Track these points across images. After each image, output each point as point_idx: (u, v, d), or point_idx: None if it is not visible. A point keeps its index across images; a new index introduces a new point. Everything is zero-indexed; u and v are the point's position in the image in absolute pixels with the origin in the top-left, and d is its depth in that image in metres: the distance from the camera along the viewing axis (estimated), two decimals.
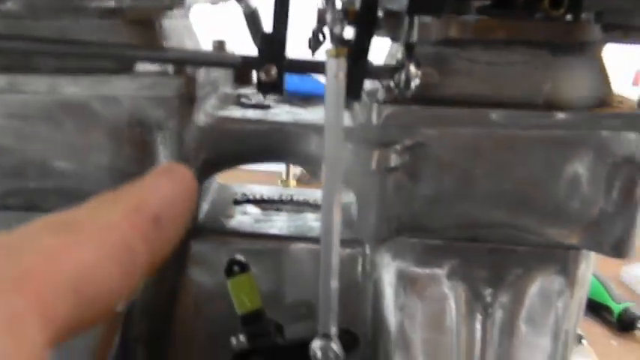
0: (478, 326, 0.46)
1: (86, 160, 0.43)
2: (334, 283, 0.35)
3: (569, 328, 0.46)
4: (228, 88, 0.55)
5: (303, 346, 0.38)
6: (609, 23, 0.42)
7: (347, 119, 0.44)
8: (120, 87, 0.41)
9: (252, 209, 0.56)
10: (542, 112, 0.41)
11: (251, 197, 0.58)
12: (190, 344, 0.50)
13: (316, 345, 0.37)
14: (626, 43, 0.44)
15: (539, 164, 0.42)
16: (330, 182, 0.36)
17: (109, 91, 0.41)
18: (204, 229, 0.51)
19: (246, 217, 0.54)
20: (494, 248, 0.46)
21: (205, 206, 0.55)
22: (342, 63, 0.31)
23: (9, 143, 0.43)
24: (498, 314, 0.46)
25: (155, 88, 0.41)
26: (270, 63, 0.34)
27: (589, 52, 0.43)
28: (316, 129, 0.44)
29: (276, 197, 0.59)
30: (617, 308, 0.88)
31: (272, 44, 0.34)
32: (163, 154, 0.43)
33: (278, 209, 0.57)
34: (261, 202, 0.58)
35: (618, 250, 0.44)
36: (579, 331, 0.84)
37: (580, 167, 0.42)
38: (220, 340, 0.49)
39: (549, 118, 0.41)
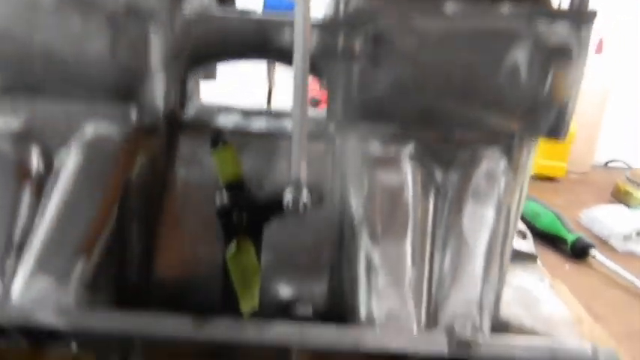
0: (431, 203, 0.53)
1: (87, 49, 0.49)
2: (304, 121, 0.41)
3: (511, 206, 0.53)
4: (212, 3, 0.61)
5: (279, 201, 0.44)
6: None
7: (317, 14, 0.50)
8: None
9: (235, 115, 0.62)
10: (488, 4, 0.47)
11: (234, 107, 0.64)
12: (178, 223, 0.55)
13: (288, 194, 0.43)
14: None
15: (484, 54, 0.49)
16: (300, 57, 0.42)
17: None
18: (191, 124, 0.57)
19: (230, 119, 0.60)
20: (447, 135, 0.52)
21: (192, 110, 0.60)
22: None
23: (18, 32, 0.48)
24: (449, 192, 0.52)
25: None
26: None
27: None
28: (291, 23, 0.50)
29: (256, 109, 0.65)
30: (570, 238, 0.96)
31: None
32: (155, 43, 0.49)
33: (259, 116, 0.63)
34: (243, 112, 0.64)
35: (554, 133, 0.51)
36: (534, 251, 0.91)
37: (519, 57, 0.49)
38: (205, 219, 0.55)
39: (494, 10, 0.47)
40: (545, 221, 1.00)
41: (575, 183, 1.56)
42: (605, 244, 1.03)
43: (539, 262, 0.88)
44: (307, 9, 0.39)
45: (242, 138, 0.56)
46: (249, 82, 0.88)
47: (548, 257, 0.94)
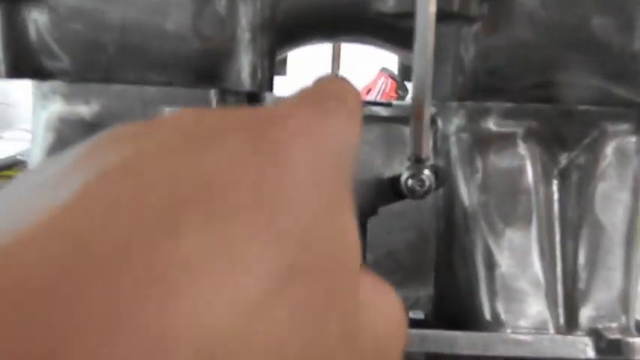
0: (555, 188, 0.46)
1: (167, 22, 0.44)
2: (428, 94, 0.35)
3: None
4: None
5: (388, 184, 0.39)
6: None
7: None
8: None
9: None
10: None
11: None
12: None
13: (407, 173, 0.37)
14: None
15: (611, 17, 0.43)
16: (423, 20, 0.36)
17: None
18: None
19: None
20: (570, 110, 0.46)
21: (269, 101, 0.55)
22: None
23: (89, 5, 0.44)
24: (575, 175, 0.46)
25: None
26: None
27: None
28: None
29: None
30: None
31: None
32: (243, 12, 0.44)
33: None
34: None
35: None
36: None
37: None
38: None
39: None
40: None
41: None
42: None
43: None
44: None
45: None
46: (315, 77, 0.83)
47: None
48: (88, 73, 0.46)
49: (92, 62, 0.46)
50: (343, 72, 0.79)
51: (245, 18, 0.44)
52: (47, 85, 0.47)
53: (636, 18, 0.43)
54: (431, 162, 0.39)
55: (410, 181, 0.37)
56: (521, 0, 0.42)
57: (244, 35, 0.44)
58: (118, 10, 0.44)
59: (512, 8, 0.42)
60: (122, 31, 0.44)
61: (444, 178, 0.42)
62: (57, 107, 0.47)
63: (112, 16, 0.44)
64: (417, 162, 0.37)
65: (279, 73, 0.61)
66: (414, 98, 0.37)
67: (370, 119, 0.52)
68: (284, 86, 0.67)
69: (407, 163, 0.37)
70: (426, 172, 0.37)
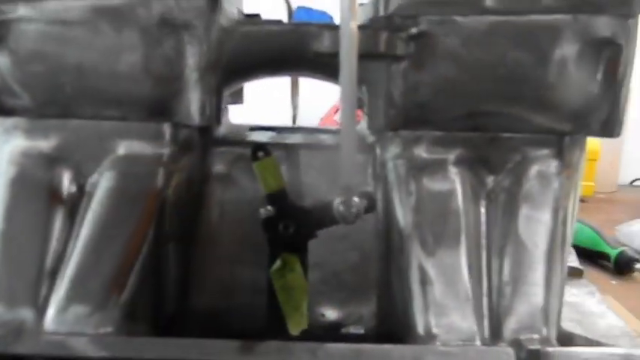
0: (483, 209, 0.50)
1: (120, 63, 0.47)
2: (353, 126, 0.39)
3: (567, 207, 0.50)
4: None
5: (326, 209, 0.42)
6: None
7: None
8: None
9: (267, 133, 0.60)
10: None
11: (265, 126, 0.63)
12: (214, 245, 0.53)
13: (338, 199, 0.41)
14: None
15: (529, 50, 0.47)
16: (347, 59, 0.40)
17: None
18: (226, 141, 0.55)
19: (263, 135, 0.58)
20: (495, 137, 0.50)
21: (223, 129, 0.58)
22: None
23: (48, 49, 0.47)
24: (501, 197, 0.50)
25: None
26: None
27: None
28: (330, 27, 0.48)
29: (289, 126, 0.63)
30: (613, 253, 0.91)
31: None
32: (190, 55, 0.47)
33: (292, 132, 0.61)
34: (275, 129, 0.62)
35: (607, 129, 0.49)
36: (580, 266, 0.87)
37: (566, 51, 0.47)
38: (243, 240, 0.53)
39: (538, 3, 0.46)
40: (584, 237, 0.96)
41: (604, 202, 1.53)
42: None
43: (584, 277, 0.84)
44: (353, 9, 0.38)
45: (279, 150, 0.54)
46: (274, 107, 0.87)
47: (592, 274, 0.90)
48: (47, 109, 0.49)
49: (51, 100, 0.49)
50: (302, 97, 0.82)
51: (192, 59, 0.47)
52: (9, 122, 0.50)
53: (550, 53, 0.47)
54: (361, 189, 0.42)
55: (341, 207, 0.41)
56: (444, 40, 0.46)
57: (192, 74, 0.47)
58: (75, 54, 0.47)
59: (436, 47, 0.46)
60: (78, 72, 0.48)
61: (373, 203, 0.46)
62: (18, 142, 0.50)
63: (68, 59, 0.47)
64: (348, 190, 0.40)
65: (235, 102, 0.64)
66: (341, 131, 0.40)
67: (316, 147, 0.56)
68: (241, 114, 0.71)
69: (338, 191, 0.41)
70: (355, 198, 0.40)
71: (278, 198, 0.45)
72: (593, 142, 1.48)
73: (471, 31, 0.46)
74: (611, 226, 1.15)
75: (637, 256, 0.91)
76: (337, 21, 0.44)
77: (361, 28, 0.46)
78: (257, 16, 0.62)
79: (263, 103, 0.85)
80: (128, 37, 0.46)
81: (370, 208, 0.43)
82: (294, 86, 0.77)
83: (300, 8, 0.63)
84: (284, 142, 0.55)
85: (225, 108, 0.63)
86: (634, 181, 1.80)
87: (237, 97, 0.64)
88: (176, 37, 0.47)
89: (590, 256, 0.95)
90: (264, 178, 0.45)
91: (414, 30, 0.46)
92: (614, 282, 0.88)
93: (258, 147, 0.46)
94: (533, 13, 0.46)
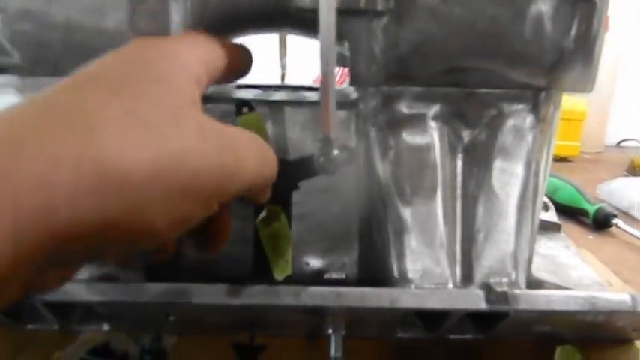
0: (459, 161, 0.52)
1: (106, 20, 0.48)
2: (332, 80, 0.40)
3: (539, 160, 0.52)
4: None
5: (308, 161, 0.44)
6: None
7: None
8: None
9: (253, 90, 0.62)
10: None
11: (251, 84, 0.64)
12: None
13: (319, 151, 0.43)
14: None
15: (507, 6, 0.48)
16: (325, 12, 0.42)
17: None
18: (210, 97, 0.57)
19: (249, 92, 0.59)
20: (472, 92, 0.52)
21: (209, 88, 0.60)
22: None
23: (34, 7, 0.48)
24: (477, 150, 0.52)
25: None
26: None
27: None
28: None
29: (274, 84, 0.65)
30: (591, 209, 0.95)
31: None
32: (175, 10, 0.48)
33: (277, 89, 0.62)
34: (261, 86, 0.63)
35: (579, 85, 0.51)
36: (557, 221, 0.90)
37: (542, 7, 0.48)
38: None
39: None
40: (565, 194, 0.99)
41: (590, 162, 1.55)
42: (626, 215, 1.02)
43: (562, 232, 0.87)
44: None
45: (263, 107, 0.56)
46: (261, 66, 0.88)
47: (571, 229, 0.93)
48: (37, 68, 0.51)
49: (41, 58, 0.50)
50: (293, 58, 0.83)
51: (177, 15, 0.48)
52: (1, 79, 0.51)
53: (526, 9, 0.48)
54: (342, 142, 0.44)
55: (321, 159, 0.43)
56: None
57: (176, 31, 0.49)
58: (61, 11, 0.48)
59: (415, 3, 0.48)
60: (66, 30, 0.49)
61: (352, 156, 0.48)
62: (10, 99, 0.51)
63: (55, 17, 0.48)
64: (327, 142, 0.42)
65: None
66: (320, 84, 0.42)
67: (300, 104, 0.57)
68: None
69: (318, 144, 0.43)
70: (335, 151, 0.42)
71: None
72: (580, 103, 1.50)
73: None
74: (595, 185, 1.18)
75: (615, 212, 0.94)
76: None
77: None
78: None
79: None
80: None
81: (349, 158, 0.45)
82: (282, 45, 0.77)
83: None
84: (268, 99, 0.57)
85: None
86: (621, 142, 1.83)
87: None
88: None
89: (570, 213, 0.99)
90: None
91: None
92: (590, 236, 0.92)
93: (243, 102, 0.47)
94: None
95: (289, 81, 0.94)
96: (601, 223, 0.94)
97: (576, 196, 0.98)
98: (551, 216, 0.84)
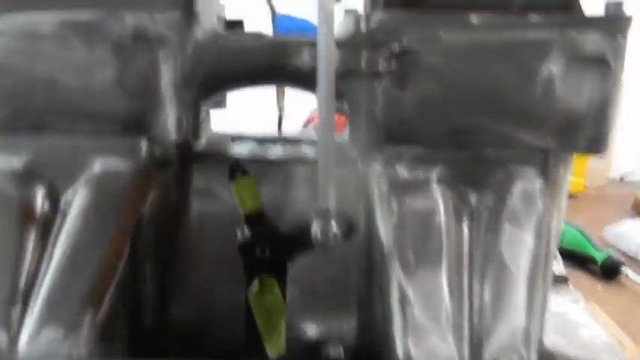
0: (465, 228, 0.49)
1: (92, 78, 0.46)
2: (332, 154, 0.38)
3: (550, 227, 0.49)
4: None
5: (304, 233, 0.41)
6: None
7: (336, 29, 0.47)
8: (123, 3, 0.44)
9: (249, 144, 0.59)
10: (518, 14, 0.45)
11: (247, 136, 0.61)
12: (193, 260, 0.52)
13: (316, 225, 0.40)
14: None
15: (514, 66, 0.46)
16: (324, 77, 0.39)
17: (113, 7, 0.44)
18: (204, 154, 0.54)
19: (244, 147, 0.57)
20: (478, 154, 0.49)
21: (204, 139, 0.57)
22: None
23: (17, 63, 0.46)
24: (484, 216, 0.49)
25: (156, 3, 0.44)
26: None
27: None
28: (309, 43, 0.47)
29: (271, 136, 0.62)
30: (599, 256, 0.91)
31: None
32: (165, 70, 0.46)
33: (274, 143, 0.59)
34: (257, 140, 0.61)
35: (593, 146, 0.48)
36: (564, 274, 0.87)
37: (552, 68, 0.46)
38: (223, 255, 0.52)
39: (524, 20, 0.45)
40: (571, 240, 0.96)
41: (594, 198, 1.53)
42: (634, 261, 0.99)
43: (570, 284, 0.84)
44: (330, 27, 0.36)
45: (259, 166, 0.53)
46: (259, 110, 0.85)
47: (579, 278, 0.90)
48: (18, 123, 0.48)
49: (22, 113, 0.48)
50: (288, 101, 0.81)
51: (167, 74, 0.46)
52: None
53: (536, 69, 0.46)
54: (341, 211, 0.41)
55: (318, 233, 0.40)
56: (427, 56, 0.45)
57: (167, 89, 0.46)
58: (45, 68, 0.46)
59: (418, 64, 0.45)
60: (50, 87, 0.46)
61: (353, 228, 0.45)
62: None
63: (39, 73, 0.46)
64: (325, 216, 0.39)
65: (219, 106, 0.63)
66: (319, 157, 0.39)
67: (297, 162, 0.55)
68: (225, 119, 0.69)
69: (315, 215, 0.40)
70: (334, 227, 0.39)
71: (255, 220, 0.44)
72: None
73: (455, 47, 0.45)
74: (600, 224, 1.15)
75: (624, 260, 0.91)
76: None
77: (341, 45, 0.45)
78: (239, 23, 0.60)
79: (248, 105, 0.83)
80: (100, 51, 0.45)
81: (350, 232, 0.42)
82: (280, 90, 0.75)
83: (281, 16, 0.62)
84: (264, 157, 0.54)
85: (207, 113, 0.62)
86: (624, 176, 1.80)
87: (220, 102, 0.63)
88: (150, 51, 0.45)
89: (577, 259, 0.96)
90: (241, 198, 0.44)
91: (395, 47, 0.45)
92: (600, 287, 0.88)
93: (236, 166, 0.45)
94: (520, 28, 0.45)
95: (286, 121, 0.92)
96: (609, 271, 0.90)
97: (583, 241, 0.95)
98: (558, 268, 0.81)
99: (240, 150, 0.56)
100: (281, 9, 0.62)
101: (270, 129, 0.92)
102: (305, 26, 0.60)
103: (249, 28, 0.62)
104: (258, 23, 0.60)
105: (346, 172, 0.53)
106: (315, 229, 0.40)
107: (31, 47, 0.45)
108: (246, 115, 0.83)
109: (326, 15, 0.37)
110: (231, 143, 0.59)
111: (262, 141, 0.60)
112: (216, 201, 0.53)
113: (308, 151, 0.57)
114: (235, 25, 0.61)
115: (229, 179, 0.45)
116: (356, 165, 0.52)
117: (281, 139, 0.62)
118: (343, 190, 0.51)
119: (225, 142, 0.58)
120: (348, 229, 0.41)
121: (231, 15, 0.60)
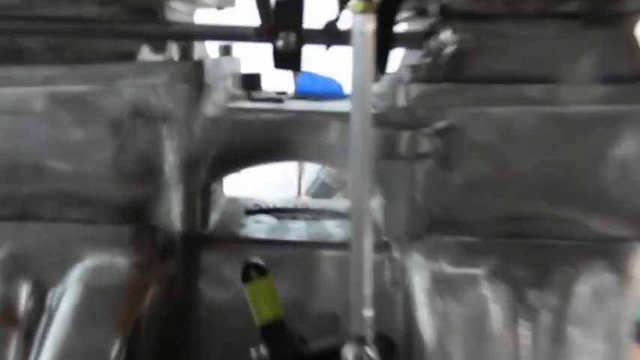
0: (524, 332, 0.41)
1: (85, 159, 0.39)
2: (368, 277, 0.31)
3: (622, 328, 0.41)
4: (237, 91, 0.52)
5: (332, 354, 0.34)
6: None
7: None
8: (120, 75, 0.37)
9: (265, 218, 0.52)
10: (581, 86, 0.38)
11: (264, 207, 0.54)
12: (203, 354, 0.45)
13: (349, 350, 0.32)
14: None
15: (581, 144, 0.39)
16: (359, 158, 0.32)
17: (109, 80, 0.37)
18: (214, 238, 0.47)
19: (260, 226, 0.50)
20: (537, 244, 0.41)
21: (215, 217, 0.50)
22: (370, 19, 0.28)
23: (2, 142, 0.40)
24: (546, 318, 0.41)
25: (159, 75, 0.37)
26: (286, 31, 0.31)
27: (623, 24, 0.40)
28: (337, 116, 0.40)
29: (290, 206, 0.55)
30: None
31: (288, 10, 0.31)
32: (170, 149, 0.39)
33: (294, 217, 0.53)
34: (275, 212, 0.54)
35: None
36: None
37: (626, 146, 0.38)
38: (234, 350, 0.44)
39: (590, 92, 0.37)
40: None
41: None
42: None
43: None
44: (367, 111, 0.29)
45: (278, 248, 0.46)
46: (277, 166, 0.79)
47: None
48: (1, 210, 0.42)
49: (6, 200, 0.41)
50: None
51: (172, 155, 0.39)
52: None
53: (605, 147, 0.39)
54: (378, 331, 0.34)
55: (350, 358, 0.32)
56: (477, 134, 0.38)
57: (172, 173, 0.39)
58: (31, 149, 0.39)
59: (466, 143, 0.38)
60: (36, 170, 0.40)
61: (392, 348, 0.37)
62: None
63: (24, 155, 0.40)
64: (360, 342, 0.32)
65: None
66: (351, 269, 0.32)
67: (322, 245, 0.48)
68: (240, 183, 0.63)
69: (348, 342, 0.32)
70: (369, 351, 0.32)
71: (274, 329, 0.37)
72: None
73: (510, 124, 0.38)
74: None
75: None
76: (346, 89, 0.36)
77: (378, 124, 0.38)
78: (257, 76, 0.55)
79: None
80: (95, 130, 0.39)
81: (389, 351, 0.35)
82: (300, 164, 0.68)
83: (304, 74, 0.56)
84: (284, 239, 0.47)
85: (221, 181, 0.55)
86: None
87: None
88: (152, 129, 0.39)
89: None
90: (256, 303, 0.37)
91: (440, 124, 0.38)
92: None
93: (250, 265, 0.38)
94: (585, 102, 0.38)
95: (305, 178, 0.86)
96: None
97: None
98: None
99: (256, 229, 0.49)
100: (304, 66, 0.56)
101: (288, 183, 0.85)
102: (329, 85, 0.53)
103: (268, 81, 0.57)
104: (279, 77, 0.54)
105: (378, 258, 0.45)
106: (347, 354, 0.32)
107: (16, 125, 0.39)
108: (263, 172, 0.76)
109: (361, 96, 0.30)
110: (245, 218, 0.52)
111: (281, 213, 0.54)
112: (227, 288, 0.46)
113: (333, 229, 0.49)
114: (252, 79, 0.55)
115: (242, 281, 0.38)
116: (389, 250, 0.45)
117: (303, 210, 0.55)
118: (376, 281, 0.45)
119: (239, 218, 0.52)
120: (387, 351, 0.34)
121: (248, 68, 0.55)
